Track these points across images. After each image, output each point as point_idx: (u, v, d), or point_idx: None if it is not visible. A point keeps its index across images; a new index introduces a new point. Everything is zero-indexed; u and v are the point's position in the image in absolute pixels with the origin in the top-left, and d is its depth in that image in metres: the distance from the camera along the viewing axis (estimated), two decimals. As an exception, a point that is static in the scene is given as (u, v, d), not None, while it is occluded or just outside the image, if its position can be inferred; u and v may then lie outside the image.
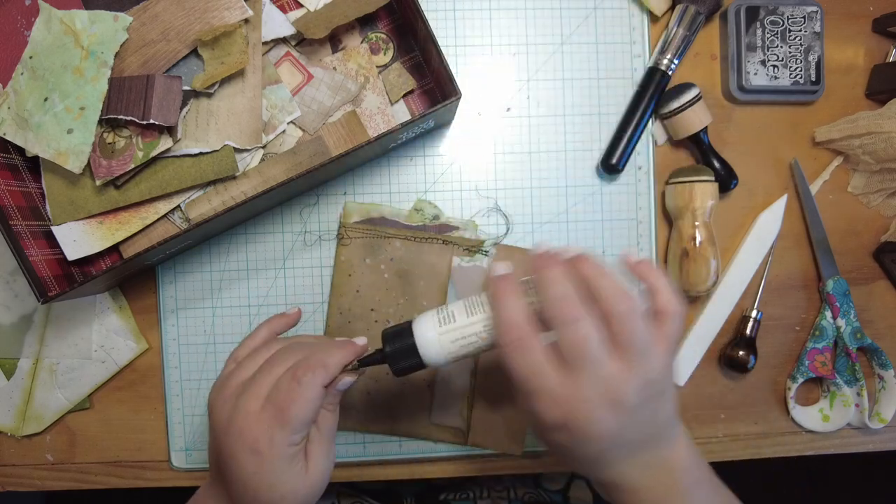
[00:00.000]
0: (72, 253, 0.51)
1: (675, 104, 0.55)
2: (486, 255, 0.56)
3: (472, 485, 0.65)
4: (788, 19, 0.56)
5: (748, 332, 0.58)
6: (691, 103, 0.54)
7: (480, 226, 0.57)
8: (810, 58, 0.57)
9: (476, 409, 0.56)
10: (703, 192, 0.54)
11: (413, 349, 0.40)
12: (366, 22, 0.55)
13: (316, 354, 0.41)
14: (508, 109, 0.57)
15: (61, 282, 0.50)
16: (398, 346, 0.41)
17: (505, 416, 0.56)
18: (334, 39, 0.55)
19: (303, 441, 0.41)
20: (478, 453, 0.57)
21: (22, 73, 0.49)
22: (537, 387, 0.35)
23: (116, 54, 0.49)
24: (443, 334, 0.40)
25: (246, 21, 0.51)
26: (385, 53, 0.55)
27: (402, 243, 0.55)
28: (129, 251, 0.54)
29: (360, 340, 0.43)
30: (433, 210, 0.56)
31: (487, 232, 0.57)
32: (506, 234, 0.57)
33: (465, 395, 0.56)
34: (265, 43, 0.53)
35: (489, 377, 0.56)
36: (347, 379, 0.42)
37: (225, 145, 0.52)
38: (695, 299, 0.59)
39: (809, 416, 0.59)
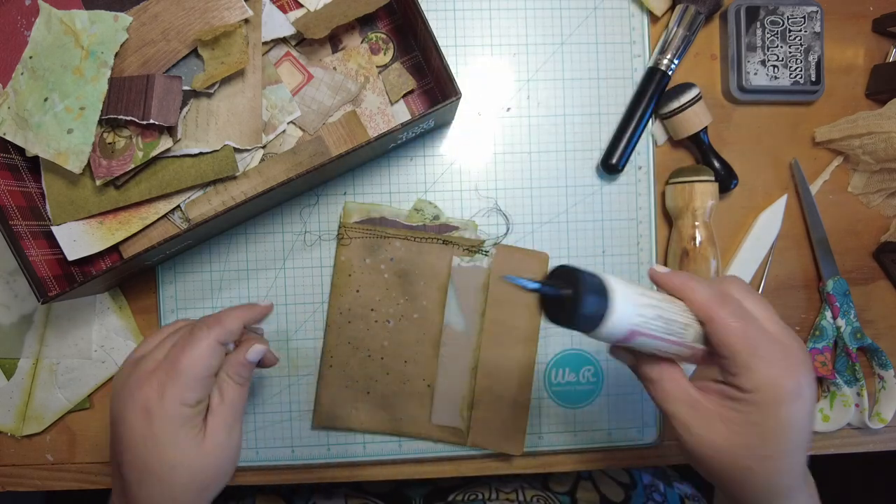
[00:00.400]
0: (72, 253, 0.51)
1: (675, 104, 0.55)
2: (486, 255, 0.56)
3: (481, 486, 0.65)
4: (788, 19, 0.56)
5: (748, 332, 0.58)
6: (691, 103, 0.54)
7: (480, 226, 0.56)
8: (810, 58, 0.57)
9: (476, 410, 0.56)
10: (703, 192, 0.54)
11: (603, 303, 0.34)
12: (366, 22, 0.55)
13: (216, 314, 0.42)
14: (508, 109, 0.57)
15: (61, 282, 0.50)
16: (589, 293, 0.33)
17: (504, 416, 0.56)
18: (334, 39, 0.55)
19: (199, 405, 0.39)
20: (478, 453, 0.57)
21: (22, 73, 0.49)
22: (768, 353, 0.34)
23: (116, 54, 0.49)
24: (639, 295, 0.34)
25: (246, 21, 0.51)
26: (385, 53, 0.55)
27: (402, 243, 0.55)
28: (129, 251, 0.54)
29: (265, 302, 0.46)
30: (433, 210, 0.56)
31: (488, 232, 0.57)
32: (506, 234, 0.57)
33: (464, 395, 0.56)
34: (265, 43, 0.53)
35: (489, 378, 0.56)
36: (258, 347, 0.42)
37: (225, 145, 0.52)
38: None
39: (809, 416, 0.60)
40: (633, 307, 0.34)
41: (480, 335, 0.56)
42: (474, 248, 0.56)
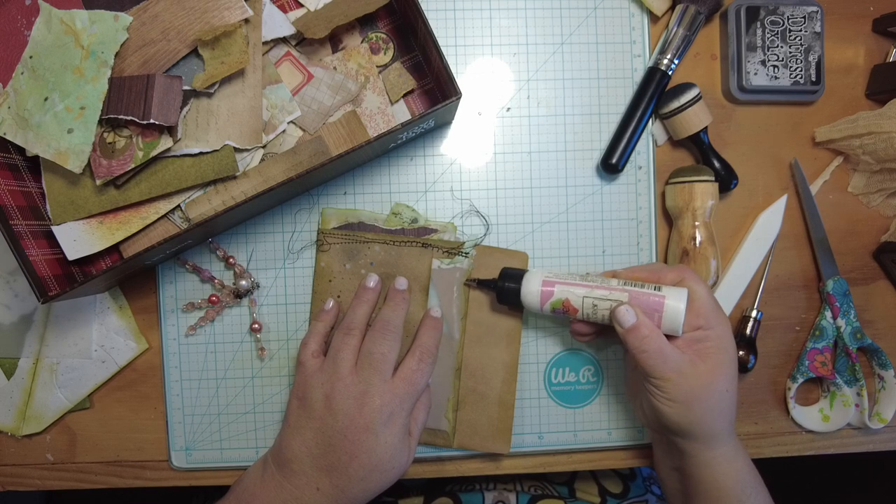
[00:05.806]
0: (72, 253, 0.51)
1: (675, 104, 0.55)
2: (465, 256, 0.56)
3: (479, 477, 0.65)
4: (788, 19, 0.56)
5: (748, 332, 0.58)
6: (691, 103, 0.54)
7: (469, 226, 0.56)
8: (810, 58, 0.57)
9: (461, 411, 0.56)
10: (703, 192, 0.54)
11: (518, 279, 0.51)
12: (366, 22, 0.55)
13: (420, 341, 0.51)
14: (508, 109, 0.57)
15: (61, 281, 0.50)
16: (507, 277, 0.52)
17: (490, 416, 0.56)
18: (334, 39, 0.55)
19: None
20: (466, 454, 0.57)
21: (22, 73, 0.49)
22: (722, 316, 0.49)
23: (117, 54, 0.49)
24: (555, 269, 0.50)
25: (246, 21, 0.51)
26: (385, 53, 0.56)
27: (381, 248, 0.55)
28: (129, 251, 0.54)
29: (435, 312, 0.54)
30: (411, 214, 0.56)
31: (471, 233, 0.56)
32: (485, 234, 0.57)
33: (449, 397, 0.56)
34: (265, 43, 0.53)
35: (473, 378, 0.56)
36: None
37: (225, 145, 0.52)
38: (695, 299, 0.59)
39: (809, 416, 0.59)
40: (542, 272, 0.51)
41: (463, 336, 0.56)
42: (454, 250, 0.56)
